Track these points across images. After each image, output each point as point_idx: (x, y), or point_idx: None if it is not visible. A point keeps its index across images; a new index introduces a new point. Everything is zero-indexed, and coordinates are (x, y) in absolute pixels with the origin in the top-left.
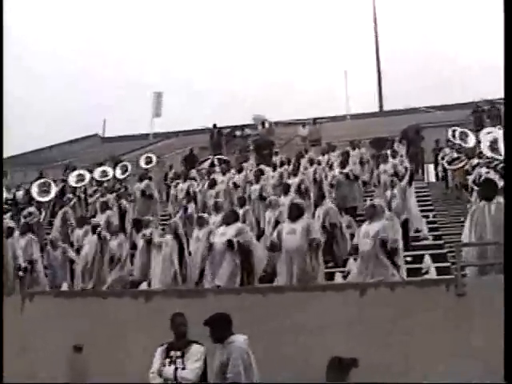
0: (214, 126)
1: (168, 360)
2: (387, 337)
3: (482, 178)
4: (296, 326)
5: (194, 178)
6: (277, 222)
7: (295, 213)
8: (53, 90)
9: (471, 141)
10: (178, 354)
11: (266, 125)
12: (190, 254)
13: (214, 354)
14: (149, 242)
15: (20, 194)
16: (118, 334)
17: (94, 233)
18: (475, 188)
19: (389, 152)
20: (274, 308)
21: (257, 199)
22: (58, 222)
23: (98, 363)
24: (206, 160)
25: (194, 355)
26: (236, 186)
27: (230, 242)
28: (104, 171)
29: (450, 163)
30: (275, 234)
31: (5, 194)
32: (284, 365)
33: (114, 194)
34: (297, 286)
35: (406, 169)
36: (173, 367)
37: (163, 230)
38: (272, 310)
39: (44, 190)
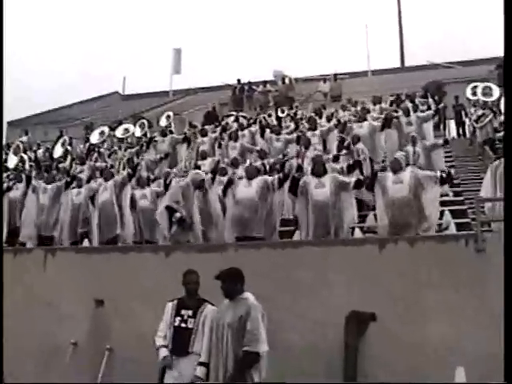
0: (238, 81)
1: (179, 319)
2: (406, 292)
3: None
4: (315, 281)
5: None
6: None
7: (320, 168)
8: (73, 48)
9: (495, 95)
10: (190, 313)
11: (287, 80)
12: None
13: (224, 310)
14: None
15: (41, 152)
16: (138, 289)
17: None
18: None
19: (411, 106)
20: (294, 262)
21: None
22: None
23: (118, 317)
24: (229, 116)
25: (207, 320)
26: (254, 141)
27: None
28: (126, 129)
29: (476, 121)
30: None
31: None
32: (302, 321)
33: (135, 149)
34: (316, 241)
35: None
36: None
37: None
38: (291, 265)
39: (66, 147)
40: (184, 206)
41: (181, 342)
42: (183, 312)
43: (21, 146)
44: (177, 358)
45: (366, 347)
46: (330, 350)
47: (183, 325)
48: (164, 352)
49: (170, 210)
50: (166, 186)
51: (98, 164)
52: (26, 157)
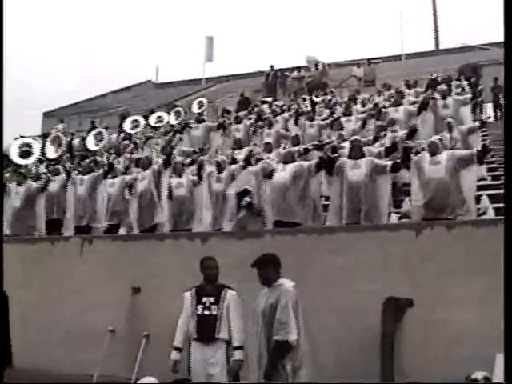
0: (271, 67)
1: (201, 306)
2: (443, 277)
3: None
4: (350, 267)
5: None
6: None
7: (357, 151)
8: (107, 38)
9: None
10: (212, 300)
11: (320, 66)
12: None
13: (260, 297)
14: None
15: (76, 142)
16: (175, 276)
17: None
18: None
19: (447, 89)
20: (330, 248)
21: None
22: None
23: (155, 304)
24: (263, 102)
25: (233, 305)
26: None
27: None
28: (159, 117)
29: None
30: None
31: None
32: (338, 308)
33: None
34: (353, 227)
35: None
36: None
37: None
38: (327, 251)
39: (99, 139)
40: (254, 193)
41: (206, 329)
42: (204, 299)
43: (61, 135)
44: (203, 345)
45: (403, 334)
46: (366, 337)
47: (207, 312)
48: (174, 355)
49: (240, 195)
50: (200, 175)
51: (133, 155)
52: (63, 147)
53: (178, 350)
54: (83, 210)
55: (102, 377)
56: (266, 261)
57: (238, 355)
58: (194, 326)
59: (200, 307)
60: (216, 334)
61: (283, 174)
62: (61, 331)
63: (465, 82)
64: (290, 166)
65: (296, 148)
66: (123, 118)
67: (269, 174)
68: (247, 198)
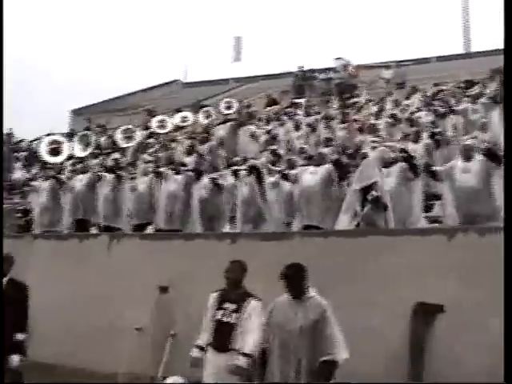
0: (301, 68)
1: (221, 312)
2: (476, 284)
3: None
4: (382, 272)
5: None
6: None
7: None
8: (136, 36)
9: None
10: (234, 307)
11: (349, 67)
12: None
13: (289, 311)
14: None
15: (103, 139)
16: (203, 276)
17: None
18: None
19: (478, 92)
20: (360, 252)
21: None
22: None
23: (182, 304)
24: (292, 104)
25: (254, 316)
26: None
27: (326, 179)
28: (185, 116)
29: None
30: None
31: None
32: (368, 312)
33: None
34: (383, 230)
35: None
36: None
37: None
38: (358, 254)
39: (128, 136)
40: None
41: (222, 337)
42: (226, 305)
43: (89, 133)
44: (216, 353)
45: (434, 341)
46: (396, 342)
47: (225, 319)
48: (195, 352)
49: (365, 190)
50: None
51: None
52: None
53: (200, 348)
54: (108, 207)
55: (128, 374)
56: (297, 272)
57: (242, 361)
58: (211, 332)
59: (220, 313)
60: (230, 344)
61: (315, 177)
62: (87, 328)
63: (496, 86)
64: (323, 168)
65: (325, 149)
66: (150, 114)
67: (388, 163)
68: (374, 192)
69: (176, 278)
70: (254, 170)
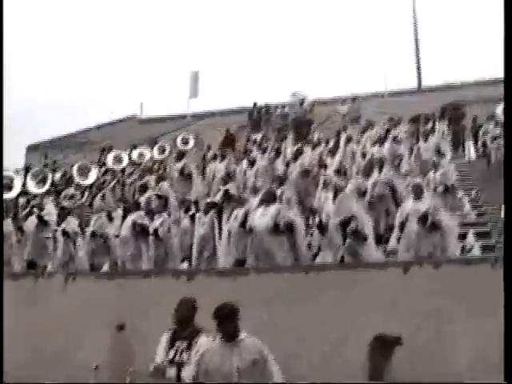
0: (255, 104)
1: (173, 352)
2: (431, 316)
3: None
4: (340, 305)
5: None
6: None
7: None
8: (90, 72)
9: None
10: (184, 345)
11: (305, 103)
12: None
13: (221, 354)
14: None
15: (58, 175)
16: (160, 313)
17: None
18: None
19: (429, 129)
20: (317, 287)
21: (297, 178)
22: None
23: (140, 342)
24: (248, 141)
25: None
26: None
27: (275, 225)
28: (141, 153)
29: (493, 140)
30: (323, 215)
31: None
32: (326, 345)
33: (153, 176)
34: (339, 264)
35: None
36: (174, 370)
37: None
38: (314, 289)
39: (84, 172)
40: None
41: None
42: (177, 344)
43: (45, 170)
44: None
45: (393, 372)
46: (355, 374)
47: (177, 358)
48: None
49: (344, 223)
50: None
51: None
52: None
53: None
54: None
55: None
56: (230, 312)
57: None
58: None
59: (172, 352)
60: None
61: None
62: (46, 368)
63: (447, 121)
64: (273, 208)
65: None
66: (104, 151)
67: (363, 192)
68: (353, 225)
69: (133, 316)
70: (213, 207)
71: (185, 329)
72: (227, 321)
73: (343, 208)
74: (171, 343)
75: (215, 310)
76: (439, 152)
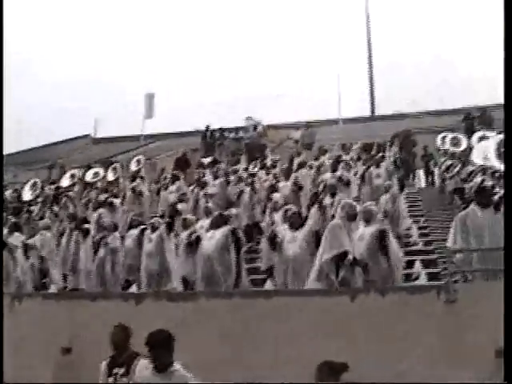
0: (207, 127)
1: (111, 379)
2: (377, 342)
3: (477, 185)
4: (286, 332)
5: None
6: None
7: (297, 221)
8: (44, 91)
9: (463, 145)
10: (122, 371)
11: (259, 127)
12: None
13: None
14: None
15: (8, 193)
16: (107, 337)
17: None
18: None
19: (381, 156)
20: (265, 312)
21: (249, 202)
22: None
23: (85, 366)
24: (202, 163)
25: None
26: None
27: (223, 245)
28: (96, 173)
29: (446, 171)
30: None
31: None
32: (273, 370)
33: (106, 195)
34: (287, 291)
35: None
36: None
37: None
38: (262, 315)
39: (35, 190)
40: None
41: None
42: (115, 370)
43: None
44: None
45: None
46: None
47: None
48: None
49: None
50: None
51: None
52: None
53: None
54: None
55: None
56: (163, 339)
57: None
58: None
59: (111, 380)
60: None
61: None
62: None
63: (397, 149)
64: (221, 231)
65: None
66: (52, 168)
67: (353, 216)
68: (350, 257)
69: (79, 340)
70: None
71: (121, 354)
72: (160, 348)
73: (335, 241)
74: (109, 370)
75: (149, 335)
76: (389, 179)
